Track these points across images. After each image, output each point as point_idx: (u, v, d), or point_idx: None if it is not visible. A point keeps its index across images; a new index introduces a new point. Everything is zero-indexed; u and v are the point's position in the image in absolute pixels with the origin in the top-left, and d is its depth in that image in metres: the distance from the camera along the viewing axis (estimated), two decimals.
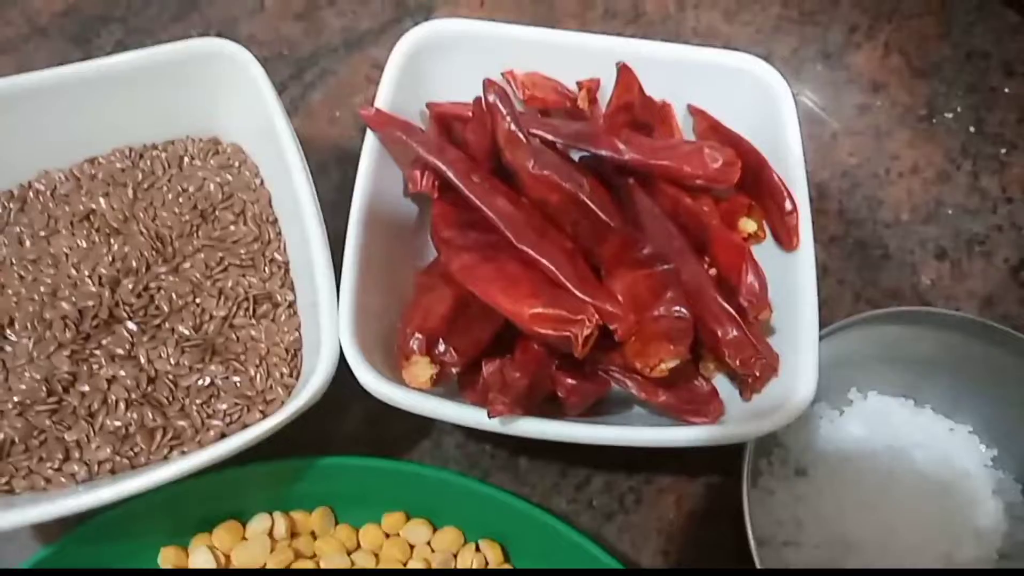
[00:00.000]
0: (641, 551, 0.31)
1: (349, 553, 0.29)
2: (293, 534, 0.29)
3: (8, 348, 0.28)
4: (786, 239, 0.30)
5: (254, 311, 0.30)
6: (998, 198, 0.40)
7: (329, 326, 0.27)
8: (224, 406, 0.28)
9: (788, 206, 0.30)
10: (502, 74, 0.33)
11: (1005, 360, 0.30)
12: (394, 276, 0.30)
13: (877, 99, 0.42)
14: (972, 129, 0.41)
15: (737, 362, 0.27)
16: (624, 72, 0.33)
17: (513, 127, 0.29)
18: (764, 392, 0.28)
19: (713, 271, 0.29)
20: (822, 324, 0.27)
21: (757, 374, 0.27)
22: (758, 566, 0.26)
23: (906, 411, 0.32)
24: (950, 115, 0.42)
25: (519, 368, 0.26)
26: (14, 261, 0.30)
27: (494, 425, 0.25)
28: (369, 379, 0.26)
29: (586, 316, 0.26)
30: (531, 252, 0.28)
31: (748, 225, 0.31)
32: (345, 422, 0.32)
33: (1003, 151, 0.41)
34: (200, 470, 0.25)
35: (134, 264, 0.30)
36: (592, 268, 0.29)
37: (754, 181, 0.31)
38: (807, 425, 0.32)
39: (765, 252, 0.30)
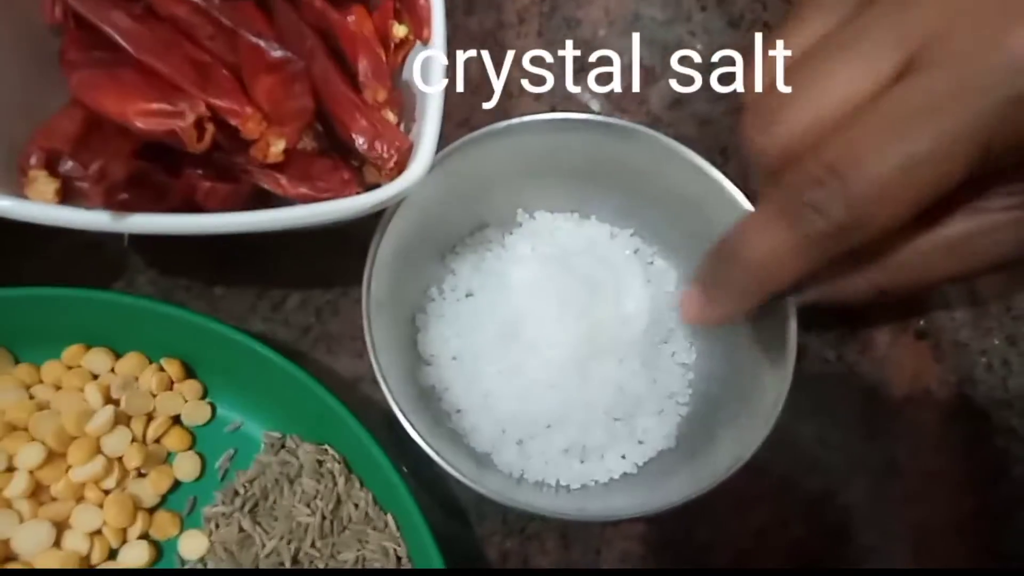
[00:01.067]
0: (337, 356, 0.33)
1: (28, 388, 0.30)
2: None
3: None
4: (422, 34, 0.31)
5: None
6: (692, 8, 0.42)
7: None
8: None
9: (422, 2, 0.31)
10: None
11: (662, 164, 0.31)
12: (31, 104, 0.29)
13: None
14: None
15: (364, 146, 0.28)
16: None
17: None
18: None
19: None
20: None
21: (386, 156, 0.28)
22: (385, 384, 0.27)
23: (571, 224, 0.34)
24: None
25: (110, 159, 0.26)
26: None
27: (106, 222, 0.26)
28: None
29: (189, 107, 0.26)
30: (152, 62, 0.28)
31: (399, 30, 0.32)
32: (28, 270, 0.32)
33: None
34: None
35: None
36: (233, 78, 0.29)
37: None
38: (475, 252, 0.33)
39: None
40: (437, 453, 0.26)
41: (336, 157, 0.30)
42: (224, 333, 0.29)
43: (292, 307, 0.33)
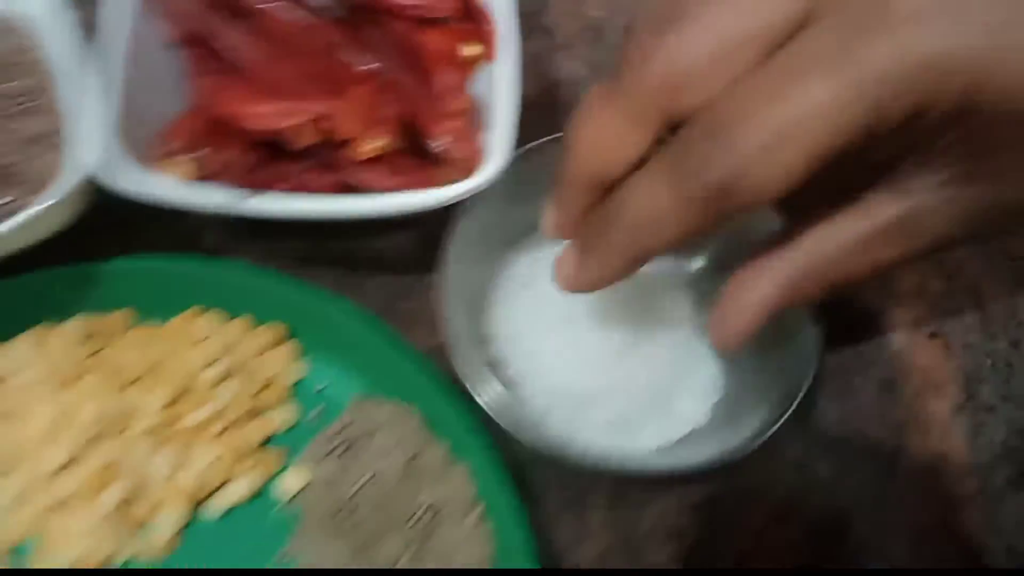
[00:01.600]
0: (413, 334, 0.37)
1: (150, 344, 0.34)
2: (95, 337, 0.34)
3: None
4: (490, 54, 0.35)
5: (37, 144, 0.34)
6: None
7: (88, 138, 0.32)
8: None
9: (488, 26, 0.36)
10: None
11: None
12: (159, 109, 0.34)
13: None
14: None
15: (444, 148, 0.33)
16: None
17: None
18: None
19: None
20: None
21: (462, 157, 0.33)
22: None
23: None
24: None
25: (230, 152, 0.31)
26: None
27: (229, 203, 0.31)
28: (118, 177, 0.31)
29: (299, 111, 0.31)
30: (262, 71, 0.33)
31: (471, 49, 0.36)
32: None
33: None
34: None
35: None
36: (331, 86, 0.34)
37: (468, 11, 0.37)
38: (537, 246, 0.37)
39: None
40: (498, 415, 0.30)
41: (418, 158, 0.34)
42: (323, 299, 0.34)
43: (372, 289, 0.38)
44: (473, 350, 0.34)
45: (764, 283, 0.25)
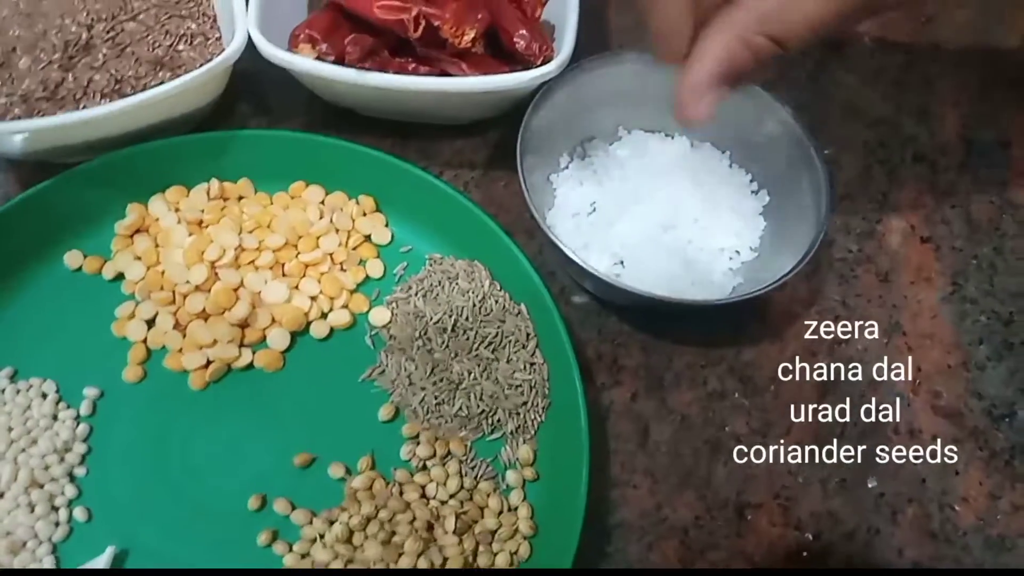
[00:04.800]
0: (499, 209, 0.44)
1: (264, 207, 0.41)
2: (225, 198, 0.41)
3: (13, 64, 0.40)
4: None
5: (191, 42, 0.42)
6: None
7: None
8: None
9: None
10: None
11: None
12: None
13: None
14: None
15: (523, 45, 0.40)
16: None
17: None
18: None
19: None
20: None
21: (537, 53, 0.40)
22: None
23: (658, 140, 0.44)
24: None
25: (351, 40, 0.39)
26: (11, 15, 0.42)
27: (352, 76, 0.38)
28: (264, 46, 0.38)
29: (412, 7, 0.39)
30: None
31: None
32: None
33: None
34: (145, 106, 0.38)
35: (103, 15, 0.42)
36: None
37: None
38: (587, 155, 0.44)
39: None
40: (560, 239, 0.36)
41: (498, 59, 0.42)
42: (409, 169, 0.40)
43: (447, 180, 0.45)
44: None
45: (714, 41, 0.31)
